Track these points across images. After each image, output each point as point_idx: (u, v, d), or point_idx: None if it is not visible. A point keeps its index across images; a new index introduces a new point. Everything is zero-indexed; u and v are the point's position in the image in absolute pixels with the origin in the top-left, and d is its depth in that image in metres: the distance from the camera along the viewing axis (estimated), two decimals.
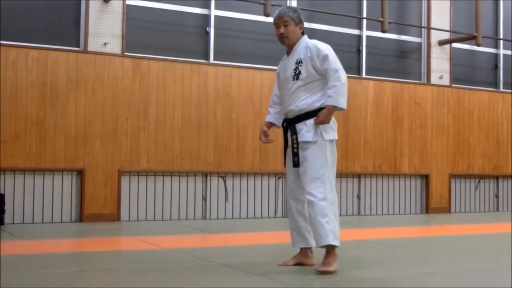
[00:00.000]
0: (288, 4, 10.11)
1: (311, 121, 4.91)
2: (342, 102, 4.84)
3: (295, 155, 4.92)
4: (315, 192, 4.81)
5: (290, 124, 5.04)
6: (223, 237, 7.50)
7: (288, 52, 5.17)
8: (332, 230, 4.78)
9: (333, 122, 5.04)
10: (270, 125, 5.31)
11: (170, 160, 9.15)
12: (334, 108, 4.84)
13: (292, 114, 5.02)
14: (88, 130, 8.68)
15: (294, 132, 4.95)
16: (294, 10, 5.13)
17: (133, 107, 8.97)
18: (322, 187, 4.82)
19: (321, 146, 4.90)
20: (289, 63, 5.09)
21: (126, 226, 8.36)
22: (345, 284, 4.50)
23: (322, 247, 4.84)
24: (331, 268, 4.73)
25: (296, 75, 4.97)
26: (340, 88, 4.81)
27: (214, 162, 9.43)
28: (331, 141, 4.96)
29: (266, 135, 5.25)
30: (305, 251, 5.17)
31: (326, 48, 4.95)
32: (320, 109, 4.90)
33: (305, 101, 4.94)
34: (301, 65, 4.97)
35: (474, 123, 11.74)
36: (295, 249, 5.25)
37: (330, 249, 4.82)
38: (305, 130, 4.92)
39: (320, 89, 4.95)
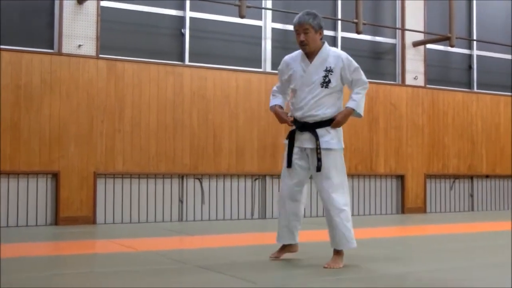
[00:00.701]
0: (263, 6, 10.13)
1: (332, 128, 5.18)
2: (362, 109, 5.23)
3: (319, 160, 5.11)
4: (342, 199, 5.15)
5: (307, 128, 5.17)
6: (199, 239, 7.49)
7: (309, 57, 5.24)
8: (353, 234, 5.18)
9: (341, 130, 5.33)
10: (281, 107, 5.45)
11: (146, 162, 9.11)
12: (353, 111, 5.19)
13: (313, 120, 5.18)
14: (63, 132, 8.61)
15: (317, 138, 5.12)
16: (314, 16, 5.25)
17: (108, 109, 8.92)
18: (346, 193, 5.21)
19: (340, 153, 5.25)
20: (314, 69, 5.20)
21: (102, 228, 8.31)
22: (322, 284, 4.52)
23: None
24: (341, 265, 5.05)
25: (326, 83, 5.17)
26: (363, 97, 5.25)
27: (190, 163, 9.41)
28: (343, 148, 5.30)
29: (287, 115, 5.36)
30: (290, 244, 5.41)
31: (354, 61, 5.30)
32: None
33: (330, 109, 5.19)
34: (331, 74, 5.18)
35: (449, 124, 11.83)
36: (272, 247, 5.33)
37: (342, 250, 5.15)
38: (330, 137, 5.15)
39: (338, 98, 5.27)
